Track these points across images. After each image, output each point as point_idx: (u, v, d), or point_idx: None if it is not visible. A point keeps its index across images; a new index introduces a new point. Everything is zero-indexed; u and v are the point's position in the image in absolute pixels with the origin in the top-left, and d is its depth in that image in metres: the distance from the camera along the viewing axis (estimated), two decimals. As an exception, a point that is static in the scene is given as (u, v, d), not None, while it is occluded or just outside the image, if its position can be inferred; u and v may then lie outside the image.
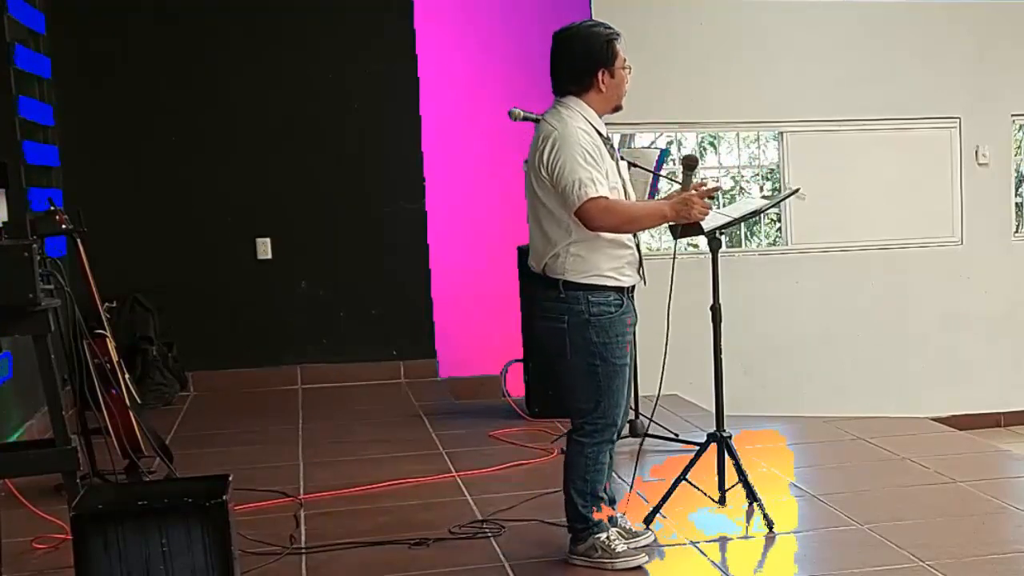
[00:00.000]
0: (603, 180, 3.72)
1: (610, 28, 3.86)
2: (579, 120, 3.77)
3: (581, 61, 3.80)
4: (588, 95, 3.81)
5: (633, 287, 3.92)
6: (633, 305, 3.92)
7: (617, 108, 3.92)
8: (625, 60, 3.85)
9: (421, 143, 7.55)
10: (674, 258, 4.16)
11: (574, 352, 3.79)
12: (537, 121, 4.88)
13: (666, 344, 4.26)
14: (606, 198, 3.70)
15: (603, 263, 3.79)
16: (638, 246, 3.92)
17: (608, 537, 3.91)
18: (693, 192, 3.83)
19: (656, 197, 4.85)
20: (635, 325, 3.94)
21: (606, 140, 3.86)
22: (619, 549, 3.91)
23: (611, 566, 3.88)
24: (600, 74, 3.79)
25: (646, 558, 3.98)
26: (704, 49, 8.30)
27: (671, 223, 3.91)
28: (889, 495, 4.74)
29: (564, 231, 3.75)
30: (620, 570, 3.89)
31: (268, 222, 7.45)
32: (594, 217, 3.69)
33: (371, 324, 7.57)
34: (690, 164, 3.97)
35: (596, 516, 3.90)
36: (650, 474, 5.06)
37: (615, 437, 3.93)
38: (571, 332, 3.77)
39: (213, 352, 7.35)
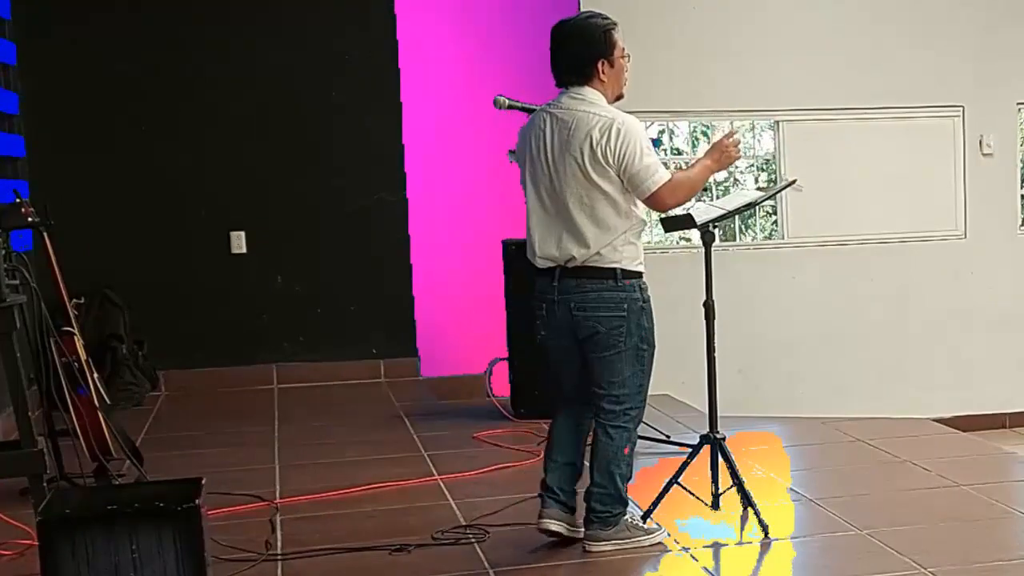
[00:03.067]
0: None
1: (607, 18, 3.99)
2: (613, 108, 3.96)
3: (580, 53, 3.94)
4: (591, 85, 3.96)
5: None
6: None
7: (619, 97, 4.06)
8: (624, 49, 4.00)
9: (402, 132, 7.48)
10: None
11: (628, 340, 3.94)
12: (525, 110, 4.94)
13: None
14: (671, 178, 3.93)
15: (641, 250, 4.00)
16: None
17: (633, 516, 4.12)
18: (722, 139, 4.08)
19: None
20: None
21: None
22: (646, 526, 4.12)
23: (648, 541, 4.08)
24: (600, 64, 3.93)
25: (667, 531, 4.20)
26: (697, 34, 8.20)
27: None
28: (889, 499, 4.72)
29: (624, 218, 3.90)
30: (655, 544, 4.09)
31: (243, 214, 7.38)
32: (667, 198, 3.91)
33: (350, 321, 7.51)
34: None
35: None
36: (640, 477, 4.97)
37: None
38: (630, 320, 3.92)
39: (185, 350, 7.29)
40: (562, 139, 3.91)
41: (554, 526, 4.08)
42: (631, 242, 3.91)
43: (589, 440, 4.14)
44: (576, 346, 4.00)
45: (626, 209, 3.88)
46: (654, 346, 4.02)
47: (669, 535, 4.15)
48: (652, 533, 4.09)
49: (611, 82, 3.96)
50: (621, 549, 4.01)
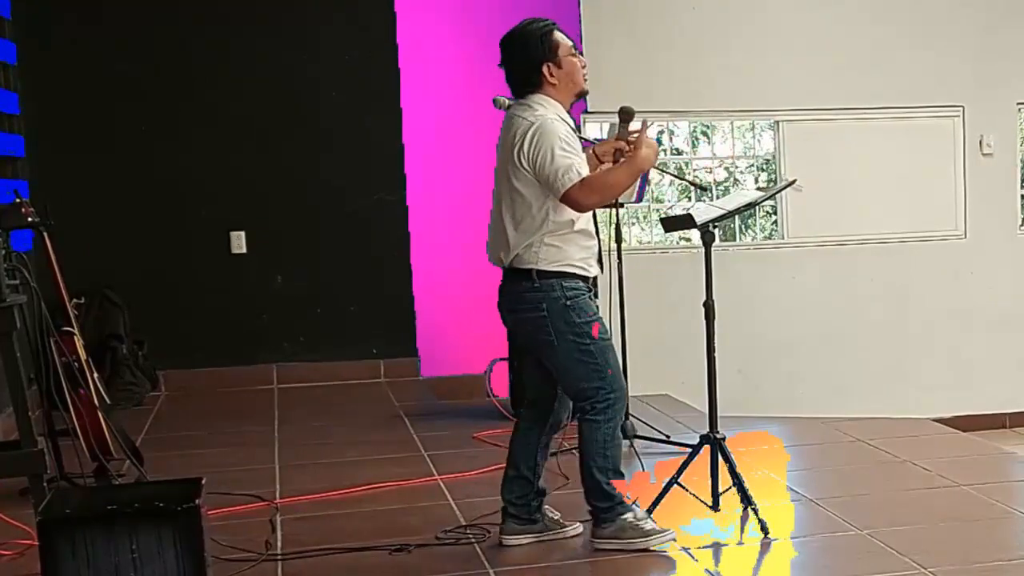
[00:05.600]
0: (584, 165, 3.91)
1: (544, 21, 4.00)
2: (551, 112, 3.94)
3: (523, 63, 3.97)
4: (544, 91, 3.97)
5: (595, 278, 4.09)
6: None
7: (582, 94, 4.08)
8: (571, 46, 4.01)
9: (402, 132, 7.43)
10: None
11: (560, 338, 3.93)
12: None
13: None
14: (585, 178, 3.88)
15: (575, 253, 3.97)
16: (598, 236, 4.12)
17: (636, 516, 4.04)
18: (644, 137, 3.97)
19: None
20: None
21: (575, 130, 4.04)
22: (648, 527, 4.02)
23: (644, 544, 4.00)
24: (546, 69, 3.95)
25: (674, 534, 4.08)
26: (697, 34, 8.16)
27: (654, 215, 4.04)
28: (890, 499, 4.70)
29: (540, 222, 3.91)
30: (654, 548, 4.00)
31: (243, 214, 7.34)
32: (581, 200, 3.85)
33: (350, 321, 7.46)
34: (626, 117, 4.11)
35: (619, 490, 4.01)
36: (640, 477, 4.95)
37: (627, 409, 4.12)
38: (552, 318, 3.92)
39: (185, 350, 7.25)
40: (501, 144, 3.99)
41: (509, 541, 4.13)
42: (550, 244, 3.91)
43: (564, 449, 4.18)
44: (524, 347, 4.11)
45: (543, 212, 3.88)
46: (602, 339, 3.97)
47: (675, 539, 4.07)
48: (649, 536, 4.01)
49: (564, 83, 3.96)
50: (619, 550, 3.98)
